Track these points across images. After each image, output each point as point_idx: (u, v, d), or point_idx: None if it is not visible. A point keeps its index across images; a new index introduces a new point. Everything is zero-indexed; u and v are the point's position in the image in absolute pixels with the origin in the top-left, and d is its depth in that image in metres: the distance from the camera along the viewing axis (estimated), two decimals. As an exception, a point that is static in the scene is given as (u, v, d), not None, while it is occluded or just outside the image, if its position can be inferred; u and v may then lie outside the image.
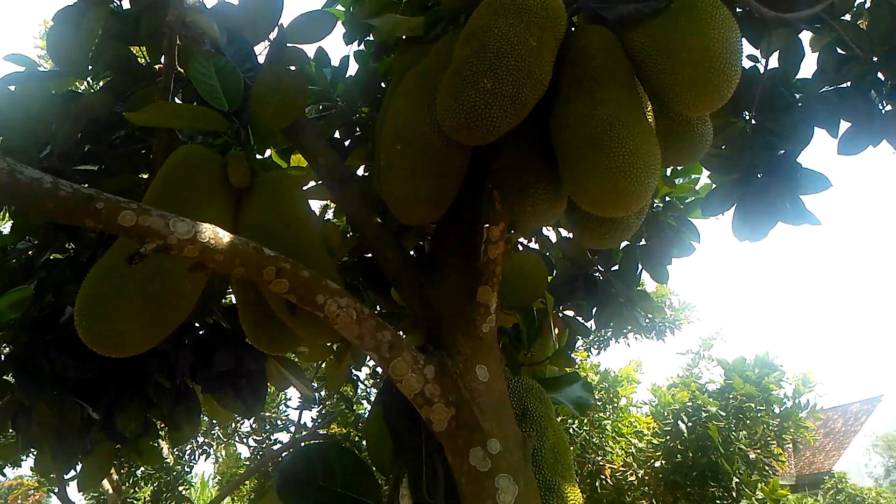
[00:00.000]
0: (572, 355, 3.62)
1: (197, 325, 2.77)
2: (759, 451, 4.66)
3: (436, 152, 1.61)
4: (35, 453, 2.90)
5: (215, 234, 1.46)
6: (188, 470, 6.90)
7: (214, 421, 7.06)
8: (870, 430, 24.52)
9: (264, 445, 7.04)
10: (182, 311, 1.67)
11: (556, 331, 2.50)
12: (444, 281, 1.80)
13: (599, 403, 5.54)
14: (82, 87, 3.23)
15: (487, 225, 1.72)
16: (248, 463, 7.53)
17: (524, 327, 2.15)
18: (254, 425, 7.13)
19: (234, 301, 3.24)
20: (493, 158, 1.69)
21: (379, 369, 6.21)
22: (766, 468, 4.63)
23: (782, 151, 2.64)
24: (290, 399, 7.31)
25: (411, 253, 2.19)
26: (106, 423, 2.66)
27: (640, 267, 3.29)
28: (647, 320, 6.54)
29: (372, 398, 6.51)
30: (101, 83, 2.60)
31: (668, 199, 3.31)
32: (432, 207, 1.68)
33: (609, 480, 5.15)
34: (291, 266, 1.53)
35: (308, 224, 1.78)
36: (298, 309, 1.63)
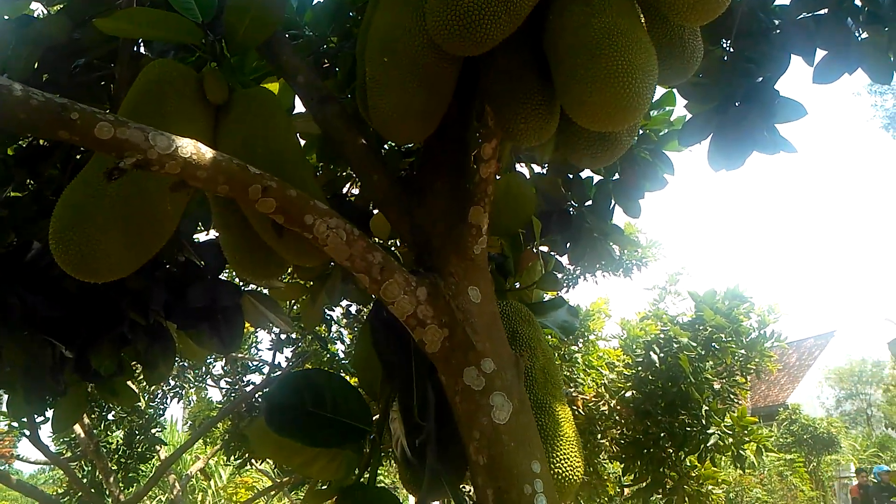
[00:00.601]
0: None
1: (168, 265, 2.70)
2: (724, 380, 4.79)
3: (425, 64, 1.54)
4: (6, 396, 2.84)
5: (197, 150, 1.39)
6: (161, 413, 6.87)
7: (186, 364, 7.01)
8: (823, 364, 25.58)
9: (236, 388, 7.02)
10: (163, 234, 1.60)
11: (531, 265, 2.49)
12: (434, 202, 1.75)
13: (570, 337, 5.63)
14: (37, 12, 3.05)
15: (479, 143, 1.67)
16: (220, 405, 7.52)
17: (510, 253, 2.13)
18: (225, 367, 7.09)
19: (205, 238, 3.17)
20: (484, 72, 1.63)
21: (353, 309, 6.20)
22: (732, 397, 4.76)
23: (760, 79, 2.63)
24: (260, 342, 7.27)
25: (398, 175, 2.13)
26: (79, 362, 2.60)
27: (612, 202, 3.29)
28: (620, 255, 6.61)
29: (346, 338, 6.52)
30: (57, 7, 2.45)
31: (642, 131, 3.29)
32: (422, 124, 1.62)
33: (581, 411, 5.28)
34: (278, 185, 1.47)
35: (291, 141, 1.71)
36: (285, 231, 1.58)
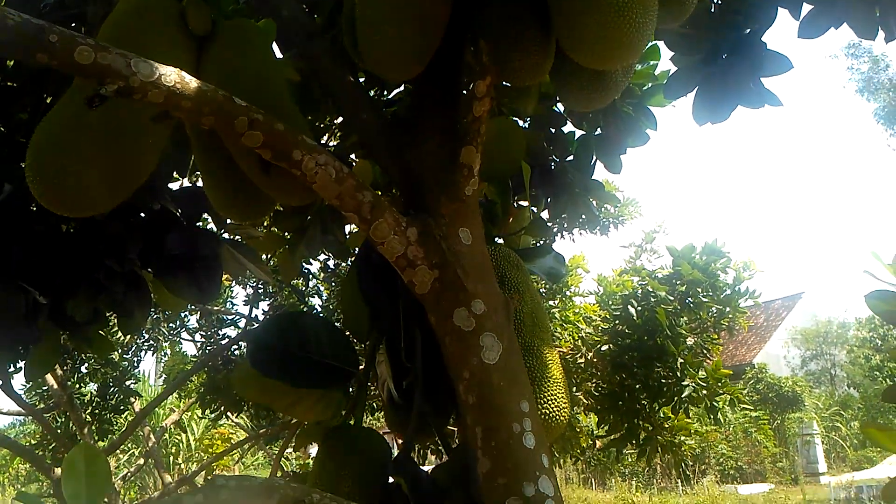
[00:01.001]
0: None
1: (143, 214, 2.63)
2: (697, 336, 4.85)
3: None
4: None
5: (181, 79, 1.33)
6: (135, 365, 6.83)
7: (160, 317, 6.94)
8: (790, 325, 26.20)
9: (212, 341, 6.99)
10: (144, 168, 1.55)
11: (519, 211, 2.47)
12: (425, 142, 1.72)
13: (549, 293, 5.67)
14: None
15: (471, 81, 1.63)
16: (195, 359, 7.48)
17: (498, 198, 2.11)
18: (200, 321, 7.04)
19: (182, 185, 3.09)
20: (479, 7, 1.58)
21: (331, 263, 6.16)
22: (705, 352, 4.84)
23: (747, 31, 2.61)
24: (236, 296, 7.21)
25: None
26: (53, 309, 2.54)
27: (594, 157, 3.28)
28: (598, 212, 6.63)
29: (324, 293, 6.50)
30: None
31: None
32: (414, 59, 1.58)
33: (558, 364, 5.32)
34: (265, 118, 1.42)
35: (277, 75, 1.65)
36: (272, 168, 1.54)
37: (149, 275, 2.66)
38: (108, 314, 2.93)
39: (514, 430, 1.52)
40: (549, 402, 1.72)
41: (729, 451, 16.85)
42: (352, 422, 1.82)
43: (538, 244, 2.29)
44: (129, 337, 6.75)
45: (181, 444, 15.55)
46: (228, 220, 2.97)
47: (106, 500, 6.11)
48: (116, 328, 6.14)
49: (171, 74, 1.31)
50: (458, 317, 1.59)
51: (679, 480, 14.51)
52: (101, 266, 2.51)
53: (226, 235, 3.24)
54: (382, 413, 2.30)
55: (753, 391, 19.83)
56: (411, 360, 1.80)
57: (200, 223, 2.87)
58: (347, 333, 1.98)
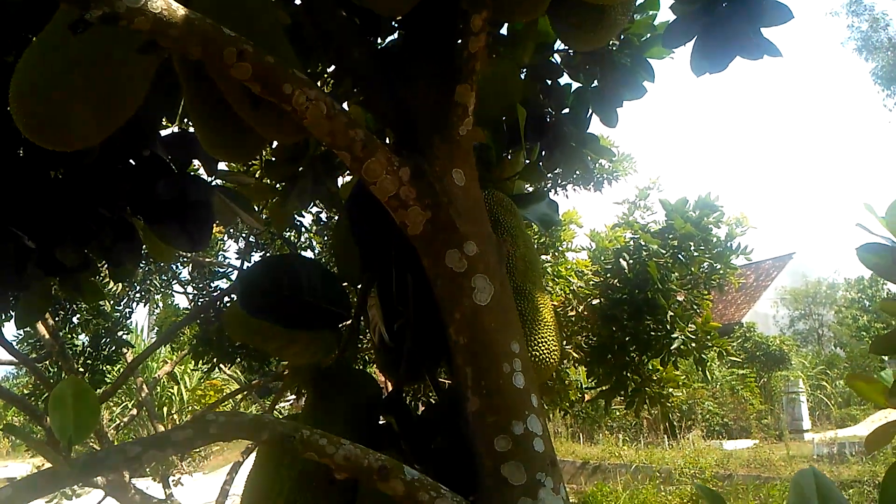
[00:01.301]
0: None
1: (133, 161, 2.59)
2: (688, 291, 4.86)
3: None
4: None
5: (168, 6, 1.29)
6: (127, 316, 6.82)
7: (151, 269, 6.91)
8: (779, 285, 26.40)
9: (203, 293, 6.98)
10: (131, 100, 1.51)
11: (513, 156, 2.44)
12: (418, 80, 1.68)
13: (541, 247, 5.66)
14: None
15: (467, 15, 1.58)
16: (186, 312, 7.48)
17: (492, 143, 2.08)
18: (193, 273, 7.02)
19: (172, 131, 3.04)
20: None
21: (324, 216, 6.12)
22: (695, 307, 4.85)
23: (747, -21, 2.55)
24: (228, 248, 7.19)
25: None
26: (42, 256, 2.52)
27: (590, 110, 3.23)
28: (592, 167, 6.59)
29: (316, 246, 6.47)
30: None
31: (623, 36, 3.20)
32: (408, -8, 1.53)
33: (549, 318, 5.35)
34: (254, 49, 1.38)
35: (267, 6, 1.60)
36: (262, 104, 1.50)
37: (140, 223, 2.64)
38: (98, 262, 2.91)
39: (504, 370, 1.52)
40: (540, 345, 1.73)
41: (715, 408, 17.13)
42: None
43: (532, 191, 2.27)
44: (120, 288, 6.74)
45: (174, 397, 15.69)
46: (219, 166, 2.94)
47: (99, 447, 6.17)
48: (107, 278, 6.11)
49: (157, 1, 1.27)
50: (450, 258, 1.58)
51: (665, 435, 14.79)
52: (91, 213, 2.48)
53: (217, 183, 3.20)
54: (374, 363, 2.31)
55: (741, 350, 20.07)
56: (403, 304, 1.80)
57: (191, 171, 2.84)
58: (339, 276, 1.96)
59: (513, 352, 1.55)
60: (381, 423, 1.79)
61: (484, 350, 1.53)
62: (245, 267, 6.12)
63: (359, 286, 1.94)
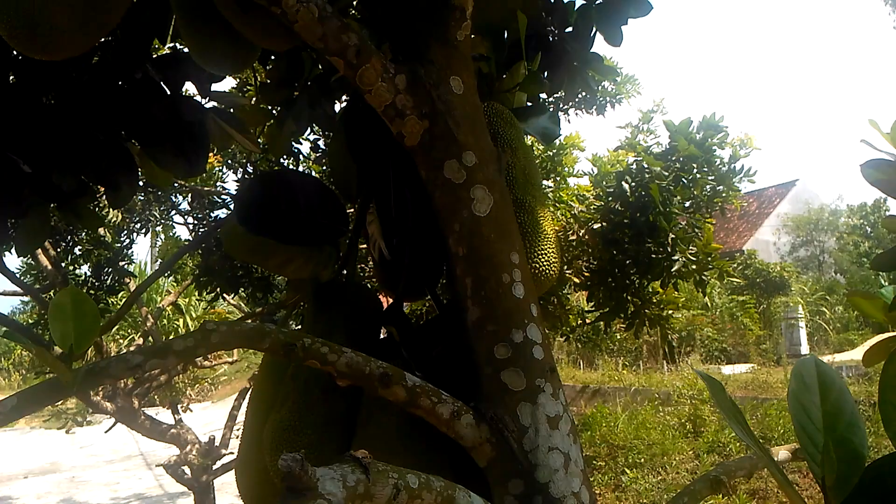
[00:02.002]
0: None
1: (125, 84, 2.53)
2: (690, 214, 4.83)
3: None
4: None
5: None
6: (128, 246, 6.83)
7: (151, 199, 6.89)
8: (782, 212, 26.34)
9: (204, 223, 6.96)
10: (116, 7, 1.46)
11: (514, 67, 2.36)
12: (414, -17, 1.61)
13: (543, 172, 5.61)
14: None
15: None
16: (188, 243, 7.48)
17: (492, 53, 2.02)
18: (193, 203, 7.00)
19: (162, 52, 2.96)
20: None
21: (322, 143, 6.03)
22: (696, 231, 4.82)
23: None
24: (227, 178, 7.13)
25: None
26: (38, 181, 2.50)
27: (594, 28, 3.14)
28: (595, 89, 6.46)
29: (314, 174, 6.41)
30: None
31: (627, -50, 3.07)
32: None
33: (550, 243, 5.33)
34: (241, -51, 1.32)
35: None
36: (251, 8, 1.45)
37: (135, 148, 2.60)
38: (95, 188, 2.89)
39: (503, 279, 1.51)
40: (540, 257, 1.72)
41: (714, 334, 17.35)
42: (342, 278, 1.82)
43: (533, 104, 2.22)
44: (120, 219, 6.72)
45: (180, 329, 15.93)
46: (213, 88, 2.88)
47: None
48: (106, 207, 6.08)
49: None
50: (448, 169, 1.55)
51: (665, 361, 15.04)
52: (85, 137, 2.45)
53: (211, 105, 3.14)
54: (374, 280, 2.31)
55: (742, 277, 20.19)
56: (402, 218, 1.78)
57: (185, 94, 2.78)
58: (337, 192, 1.94)
59: (512, 262, 1.54)
60: (382, 337, 1.80)
61: (483, 261, 1.52)
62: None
63: (357, 202, 1.91)
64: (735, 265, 20.31)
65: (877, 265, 1.83)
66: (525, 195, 1.77)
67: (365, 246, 2.30)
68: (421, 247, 1.75)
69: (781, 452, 1.66)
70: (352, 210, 2.09)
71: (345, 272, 1.84)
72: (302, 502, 0.80)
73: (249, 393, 1.71)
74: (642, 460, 6.84)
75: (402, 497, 0.94)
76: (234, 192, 6.23)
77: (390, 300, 1.84)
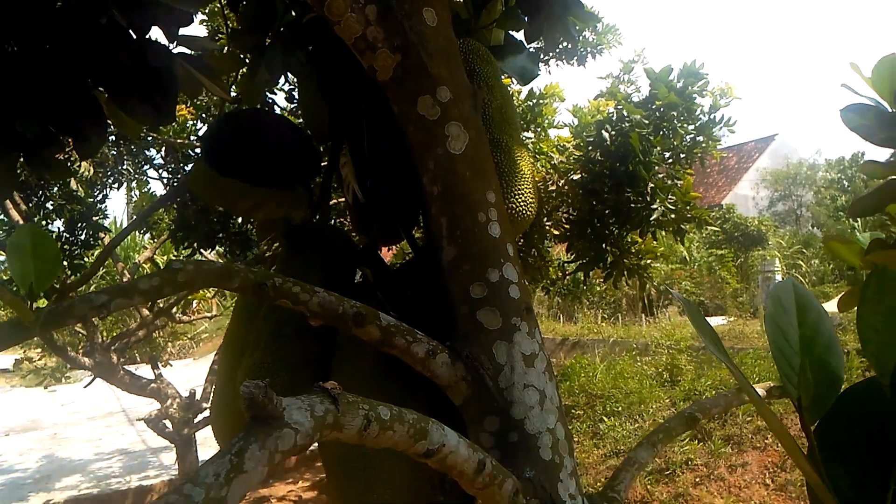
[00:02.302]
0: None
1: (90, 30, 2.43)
2: (670, 165, 4.81)
3: None
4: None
5: None
6: (101, 200, 6.70)
7: (123, 150, 6.74)
8: (760, 167, 26.46)
9: (178, 177, 6.83)
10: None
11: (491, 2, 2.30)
12: None
13: (523, 123, 5.55)
14: None
15: None
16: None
17: (467, -10, 1.95)
18: (166, 158, 6.85)
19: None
20: None
21: (297, 93, 5.90)
22: (675, 181, 4.81)
23: None
24: (200, 131, 6.98)
25: None
26: (2, 130, 2.42)
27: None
28: (576, 39, 6.37)
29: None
30: None
31: None
32: None
33: (530, 194, 5.30)
34: None
35: None
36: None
37: (103, 96, 2.52)
38: (63, 139, 2.81)
39: (479, 218, 1.48)
40: (517, 197, 1.69)
41: (692, 288, 17.55)
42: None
43: (510, 42, 2.16)
44: (92, 172, 6.58)
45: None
46: (181, 32, 2.79)
47: (84, 331, 6.23)
48: (77, 162, 5.93)
49: None
50: (422, 104, 1.51)
51: (643, 314, 15.20)
52: (50, 84, 2.36)
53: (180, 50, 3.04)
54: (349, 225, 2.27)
55: (720, 231, 20.36)
56: (376, 159, 1.74)
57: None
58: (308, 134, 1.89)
59: (488, 201, 1.51)
60: (357, 281, 1.77)
61: (458, 199, 1.49)
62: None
63: (329, 143, 1.86)
64: (713, 217, 20.41)
65: (854, 211, 1.83)
66: (502, 134, 1.73)
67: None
68: (396, 188, 1.71)
69: (757, 389, 1.67)
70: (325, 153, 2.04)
71: (318, 216, 1.80)
72: (268, 431, 0.77)
73: (224, 334, 1.68)
74: (620, 409, 6.96)
75: (373, 428, 0.92)
76: (202, 133, 6.09)
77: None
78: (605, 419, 6.83)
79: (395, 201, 1.72)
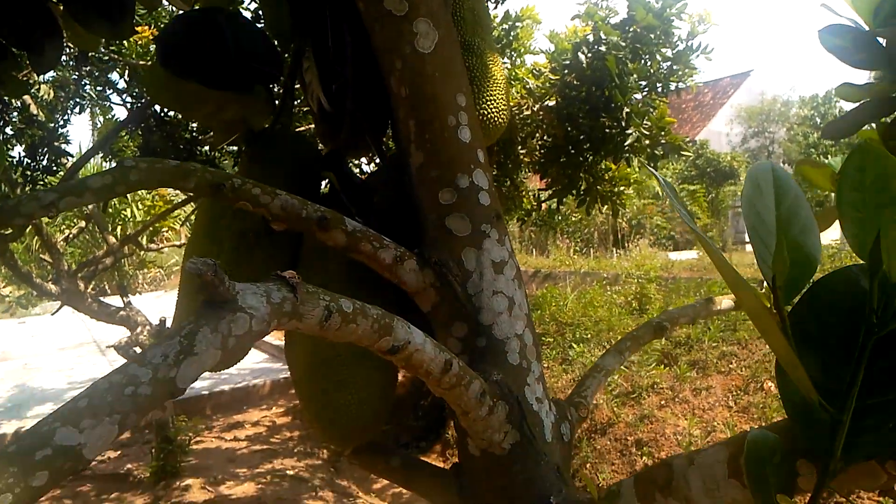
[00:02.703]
0: None
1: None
2: (646, 94, 4.74)
3: None
4: None
5: None
6: (62, 125, 6.46)
7: (83, 73, 6.47)
8: (735, 103, 26.42)
9: (142, 100, 6.60)
10: None
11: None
12: None
13: (499, 47, 5.42)
14: None
15: None
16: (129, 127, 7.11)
17: None
18: (129, 81, 6.60)
19: None
20: None
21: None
22: (650, 108, 4.75)
23: None
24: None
25: None
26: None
27: None
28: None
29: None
30: None
31: None
32: None
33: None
34: None
35: None
36: None
37: (58, 9, 2.38)
38: (17, 54, 2.68)
39: (448, 122, 1.43)
40: (489, 103, 1.63)
41: (664, 223, 17.72)
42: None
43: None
44: (52, 95, 6.33)
45: (128, 219, 15.50)
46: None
47: (49, 259, 6.11)
48: (36, 83, 5.70)
49: None
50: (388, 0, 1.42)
51: (614, 248, 15.35)
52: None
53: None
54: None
55: (692, 166, 20.45)
56: (341, 63, 1.66)
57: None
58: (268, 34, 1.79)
59: (458, 104, 1.45)
60: (321, 190, 1.72)
61: (427, 101, 1.43)
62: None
63: (291, 46, 1.77)
64: (686, 156, 20.47)
65: (828, 133, 1.80)
66: (474, 37, 1.66)
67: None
68: (363, 93, 1.64)
69: (725, 301, 1.67)
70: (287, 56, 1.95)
71: (280, 122, 1.73)
72: (220, 315, 0.74)
73: (183, 251, 1.63)
74: (589, 336, 7.07)
75: (335, 319, 0.89)
76: (156, 35, 5.83)
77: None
78: (575, 345, 6.94)
79: (362, 108, 1.65)
